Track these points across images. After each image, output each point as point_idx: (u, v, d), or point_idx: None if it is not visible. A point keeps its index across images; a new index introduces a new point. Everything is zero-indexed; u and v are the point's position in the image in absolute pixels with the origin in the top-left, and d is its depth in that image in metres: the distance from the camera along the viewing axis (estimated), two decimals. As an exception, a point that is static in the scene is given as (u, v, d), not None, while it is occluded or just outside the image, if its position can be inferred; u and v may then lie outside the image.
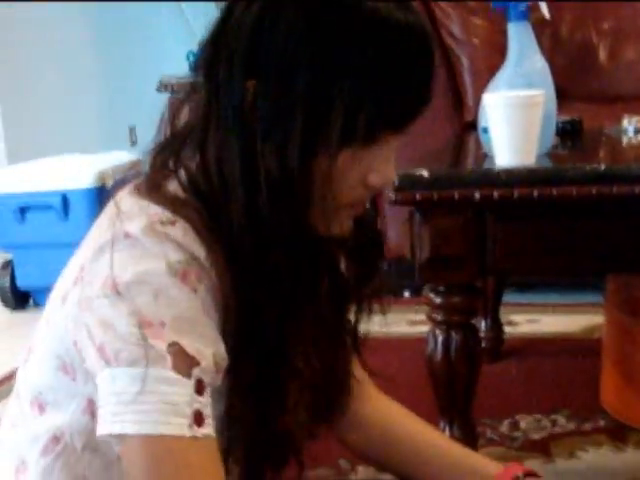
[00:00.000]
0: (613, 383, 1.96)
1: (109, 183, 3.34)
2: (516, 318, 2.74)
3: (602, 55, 3.16)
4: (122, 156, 3.66)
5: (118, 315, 0.86)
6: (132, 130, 5.44)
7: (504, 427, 1.99)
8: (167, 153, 0.98)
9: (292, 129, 0.90)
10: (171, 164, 0.97)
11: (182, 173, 0.96)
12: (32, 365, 1.00)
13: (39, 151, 3.83)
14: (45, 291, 1.05)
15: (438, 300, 1.54)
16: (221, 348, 0.90)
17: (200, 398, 0.88)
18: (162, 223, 0.89)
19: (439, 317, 1.55)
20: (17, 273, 3.45)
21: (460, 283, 1.53)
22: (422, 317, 1.62)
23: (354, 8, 0.91)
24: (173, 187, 0.95)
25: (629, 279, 1.85)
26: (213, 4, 6.41)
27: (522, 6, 1.68)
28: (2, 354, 2.54)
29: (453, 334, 1.55)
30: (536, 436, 1.95)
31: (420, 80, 0.94)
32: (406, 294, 3.04)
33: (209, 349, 0.88)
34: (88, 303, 0.89)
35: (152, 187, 0.95)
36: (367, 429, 1.20)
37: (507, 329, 2.50)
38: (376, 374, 1.18)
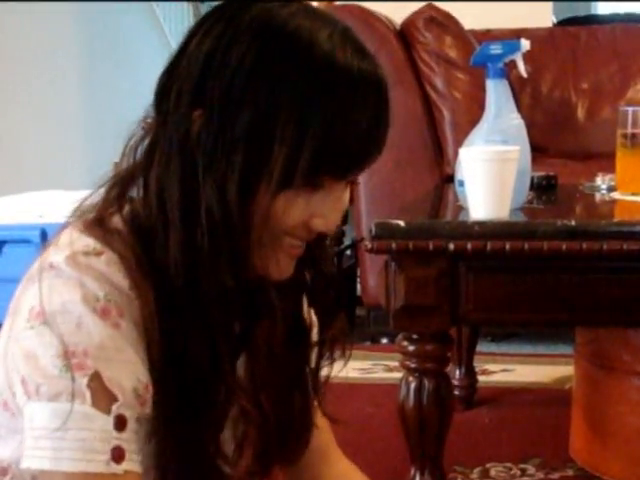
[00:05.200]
0: (582, 434, 1.99)
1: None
2: (490, 367, 2.77)
3: (580, 113, 3.24)
4: (101, 192, 3.65)
5: (42, 345, 0.86)
6: (116, 166, 5.48)
7: (475, 474, 2.01)
8: (118, 186, 0.98)
9: (233, 164, 0.90)
10: (118, 197, 0.97)
11: (127, 207, 0.96)
12: None
13: (21, 187, 3.83)
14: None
15: (411, 348, 1.57)
16: (144, 379, 0.90)
17: (120, 434, 0.87)
18: (86, 254, 0.89)
19: (412, 364, 1.57)
20: (-7, 307, 3.37)
21: (433, 332, 1.56)
22: (398, 364, 1.65)
23: (307, 49, 0.90)
24: (116, 220, 0.95)
25: (597, 332, 1.89)
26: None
27: (500, 64, 1.74)
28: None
29: (425, 382, 1.57)
30: (506, 484, 1.98)
31: (367, 132, 0.92)
32: (384, 341, 3.07)
33: (130, 382, 0.88)
34: (15, 335, 0.90)
35: (95, 221, 0.95)
36: None
37: (481, 378, 2.52)
38: (337, 421, 1.15)
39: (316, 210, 0.94)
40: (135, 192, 0.98)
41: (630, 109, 1.85)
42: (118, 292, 0.89)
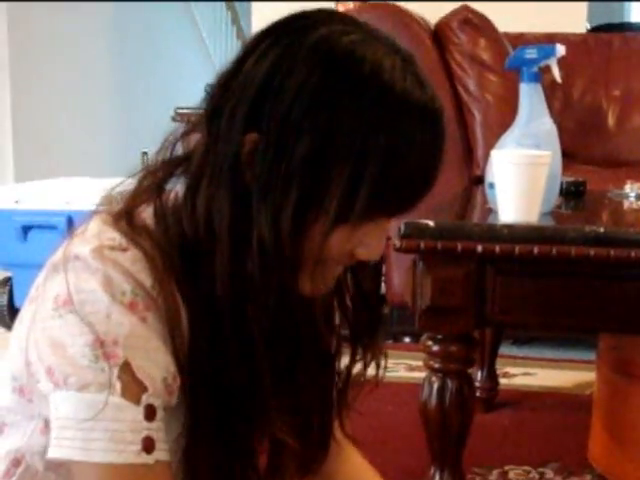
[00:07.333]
0: (601, 440, 2.00)
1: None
2: (512, 370, 2.77)
3: (610, 120, 3.23)
4: (132, 182, 3.67)
5: (70, 334, 0.86)
6: (144, 156, 5.50)
7: (493, 476, 2.02)
8: (150, 179, 0.97)
9: (287, 196, 0.87)
10: (150, 190, 0.96)
11: (160, 202, 0.94)
12: None
13: (50, 173, 3.84)
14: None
15: (435, 348, 1.57)
16: (172, 368, 0.89)
17: (150, 424, 0.87)
18: (112, 248, 0.89)
19: (435, 365, 1.58)
20: (16, 292, 3.30)
21: (458, 333, 1.57)
22: (420, 363, 1.65)
23: (371, 79, 0.87)
24: (145, 215, 0.94)
25: (621, 339, 1.89)
26: (235, 39, 6.53)
27: (534, 68, 1.75)
28: None
29: (448, 382, 1.58)
30: (524, 487, 1.98)
31: (427, 169, 0.90)
32: (406, 339, 3.08)
33: (159, 371, 0.88)
34: (40, 323, 0.89)
35: (123, 213, 0.94)
36: None
37: (502, 381, 2.53)
38: (352, 439, 1.14)
39: (362, 241, 0.93)
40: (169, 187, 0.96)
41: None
42: (142, 289, 0.88)
